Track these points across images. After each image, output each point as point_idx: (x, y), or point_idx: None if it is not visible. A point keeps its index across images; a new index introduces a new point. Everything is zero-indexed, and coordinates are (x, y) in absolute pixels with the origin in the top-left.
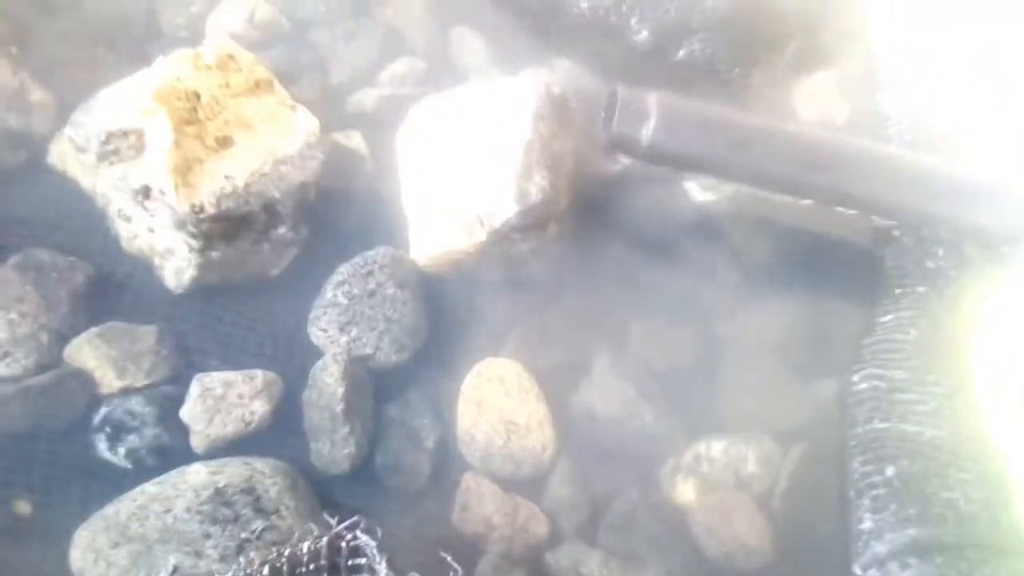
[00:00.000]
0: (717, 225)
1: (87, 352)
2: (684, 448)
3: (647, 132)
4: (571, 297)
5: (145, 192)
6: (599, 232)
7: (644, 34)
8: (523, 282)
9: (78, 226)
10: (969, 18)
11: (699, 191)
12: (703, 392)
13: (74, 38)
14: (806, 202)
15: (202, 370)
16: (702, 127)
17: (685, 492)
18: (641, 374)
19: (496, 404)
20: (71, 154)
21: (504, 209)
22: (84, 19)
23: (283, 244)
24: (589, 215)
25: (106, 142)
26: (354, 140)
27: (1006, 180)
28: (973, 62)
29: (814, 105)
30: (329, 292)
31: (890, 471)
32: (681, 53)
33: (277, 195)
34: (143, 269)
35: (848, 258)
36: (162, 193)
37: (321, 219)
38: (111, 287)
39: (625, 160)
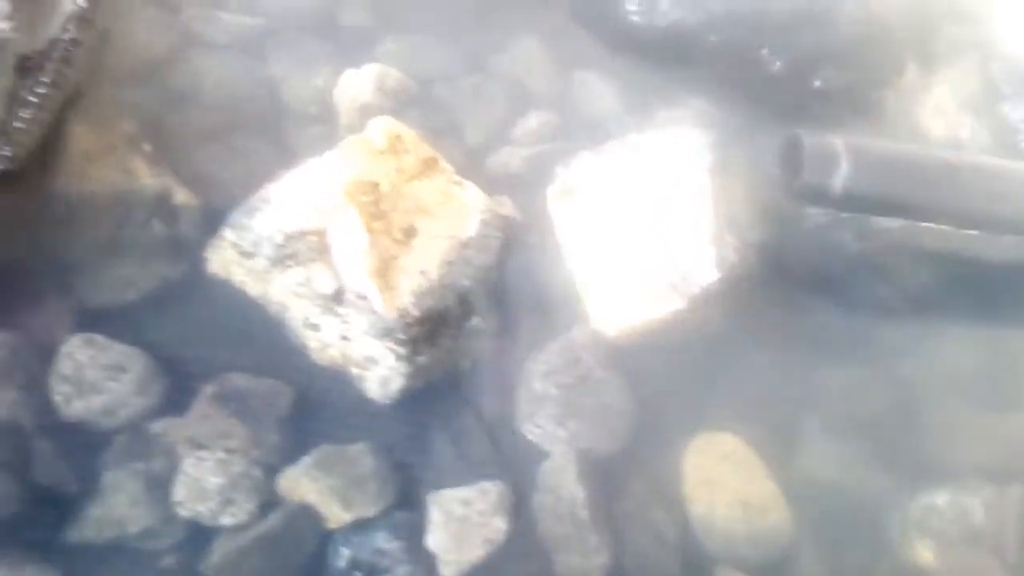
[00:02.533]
0: (883, 263)
1: (305, 484)
2: (910, 504)
3: (839, 179)
4: (766, 355)
5: (337, 298)
6: (779, 282)
7: (778, 65)
8: (717, 345)
9: (260, 341)
10: None
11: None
12: (909, 439)
13: (203, 128)
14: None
15: (425, 488)
16: (892, 169)
17: (924, 554)
18: (850, 429)
19: (728, 484)
20: (235, 260)
21: (704, 275)
22: (209, 105)
23: (475, 334)
24: (768, 266)
25: (283, 245)
26: (507, 207)
27: None
28: None
29: (940, 121)
30: (537, 384)
31: None
32: (817, 82)
33: (468, 283)
34: (339, 380)
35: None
36: (361, 299)
37: (499, 299)
38: (311, 405)
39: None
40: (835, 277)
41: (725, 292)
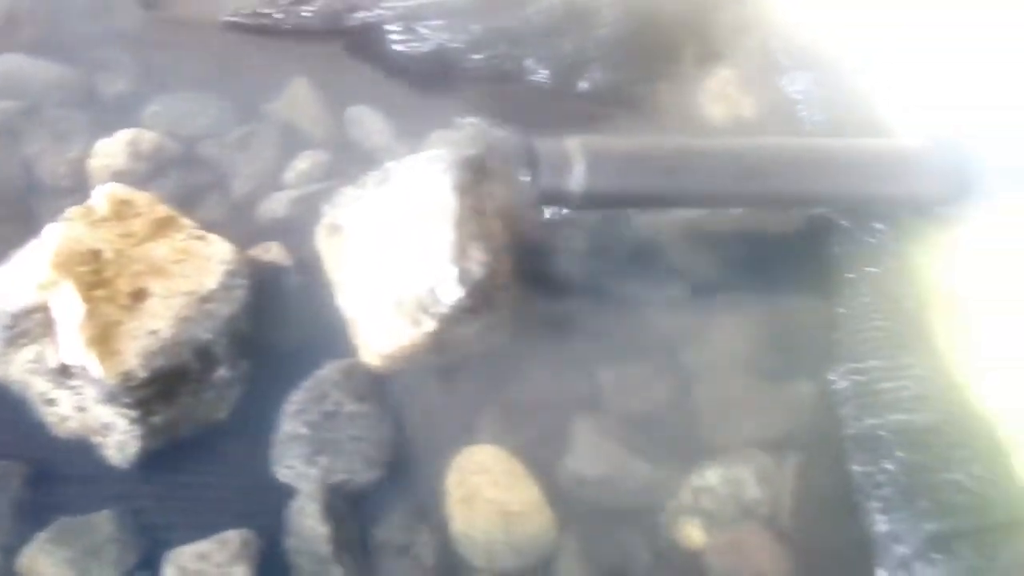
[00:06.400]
0: (656, 253)
1: (41, 561)
2: (682, 488)
3: (578, 180)
4: (533, 362)
5: (64, 371)
6: (544, 287)
7: (543, 73)
8: (481, 360)
9: (2, 422)
10: None
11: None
12: (686, 424)
13: None
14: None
15: (171, 545)
16: (631, 162)
17: (694, 536)
18: (621, 425)
19: (486, 496)
20: None
21: (449, 293)
22: None
23: (225, 385)
24: (531, 272)
25: (11, 326)
26: (272, 252)
27: (924, 144)
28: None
29: (721, 104)
30: (287, 425)
31: (891, 467)
32: (583, 84)
33: (208, 336)
34: (84, 450)
35: (792, 254)
36: (84, 369)
37: (259, 346)
38: (54, 479)
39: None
40: (611, 277)
41: (478, 307)
